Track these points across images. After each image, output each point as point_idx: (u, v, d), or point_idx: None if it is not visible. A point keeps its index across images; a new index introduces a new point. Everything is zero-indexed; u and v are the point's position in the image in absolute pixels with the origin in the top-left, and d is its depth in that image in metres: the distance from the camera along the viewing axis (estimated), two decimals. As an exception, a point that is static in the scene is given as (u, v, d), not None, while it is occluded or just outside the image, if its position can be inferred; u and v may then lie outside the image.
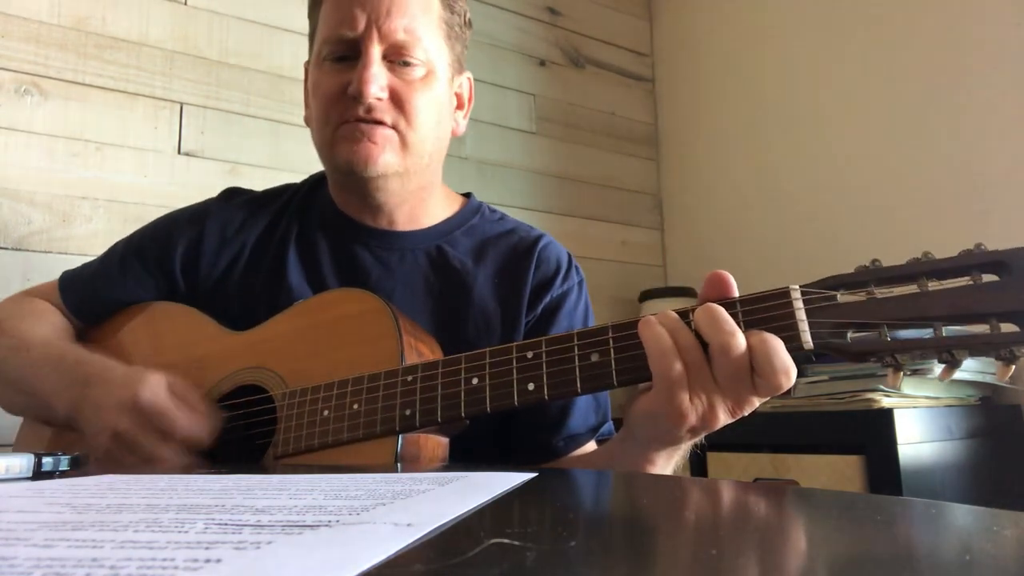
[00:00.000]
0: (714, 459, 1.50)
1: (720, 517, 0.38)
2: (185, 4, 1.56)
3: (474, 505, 0.34)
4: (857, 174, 1.82)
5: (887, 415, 1.25)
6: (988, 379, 1.44)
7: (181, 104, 1.52)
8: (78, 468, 0.57)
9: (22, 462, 0.52)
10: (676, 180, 2.29)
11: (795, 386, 1.43)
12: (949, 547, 0.29)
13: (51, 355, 0.82)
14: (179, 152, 1.51)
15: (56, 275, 0.98)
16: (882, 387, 1.30)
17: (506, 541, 0.25)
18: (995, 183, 1.55)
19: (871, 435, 1.26)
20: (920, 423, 1.29)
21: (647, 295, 2.01)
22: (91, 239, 1.36)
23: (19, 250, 1.33)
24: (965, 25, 1.66)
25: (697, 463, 1.51)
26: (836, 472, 1.29)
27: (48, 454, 0.54)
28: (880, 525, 0.32)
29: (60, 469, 0.55)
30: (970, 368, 1.40)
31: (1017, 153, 1.54)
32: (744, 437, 1.46)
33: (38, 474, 0.53)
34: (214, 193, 0.98)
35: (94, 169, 1.41)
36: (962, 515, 0.35)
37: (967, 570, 0.24)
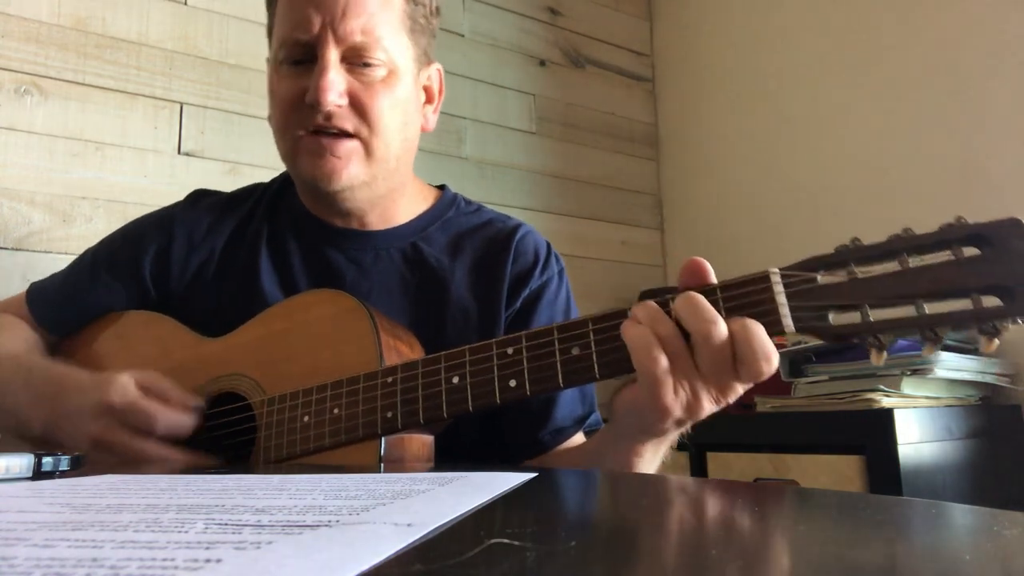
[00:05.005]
0: (714, 459, 1.50)
1: (719, 517, 0.38)
2: (185, 4, 1.56)
3: (474, 505, 0.34)
4: (857, 173, 1.82)
5: (887, 415, 1.25)
6: (988, 379, 1.44)
7: (181, 104, 1.52)
8: (78, 468, 0.57)
9: (22, 462, 0.52)
10: (676, 180, 2.29)
11: (795, 386, 1.44)
12: (949, 547, 0.29)
13: (19, 371, 0.81)
14: (179, 152, 1.51)
15: (56, 275, 0.98)
16: (882, 387, 1.30)
17: (506, 541, 0.25)
18: (996, 180, 1.56)
19: (871, 435, 1.26)
20: (920, 423, 1.29)
21: (647, 295, 2.01)
22: (91, 239, 1.34)
23: (19, 250, 1.33)
24: (964, 24, 1.66)
25: (697, 463, 1.51)
26: (836, 472, 1.29)
27: (48, 454, 0.54)
28: (880, 525, 0.32)
29: (60, 469, 0.55)
30: (970, 368, 1.40)
31: (1017, 149, 1.54)
32: (744, 437, 1.46)
33: (38, 474, 0.53)
34: (214, 193, 0.97)
35: (94, 169, 1.41)
36: (962, 515, 0.35)
37: (967, 570, 0.24)
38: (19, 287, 1.13)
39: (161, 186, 1.47)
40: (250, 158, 1.57)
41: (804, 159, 1.95)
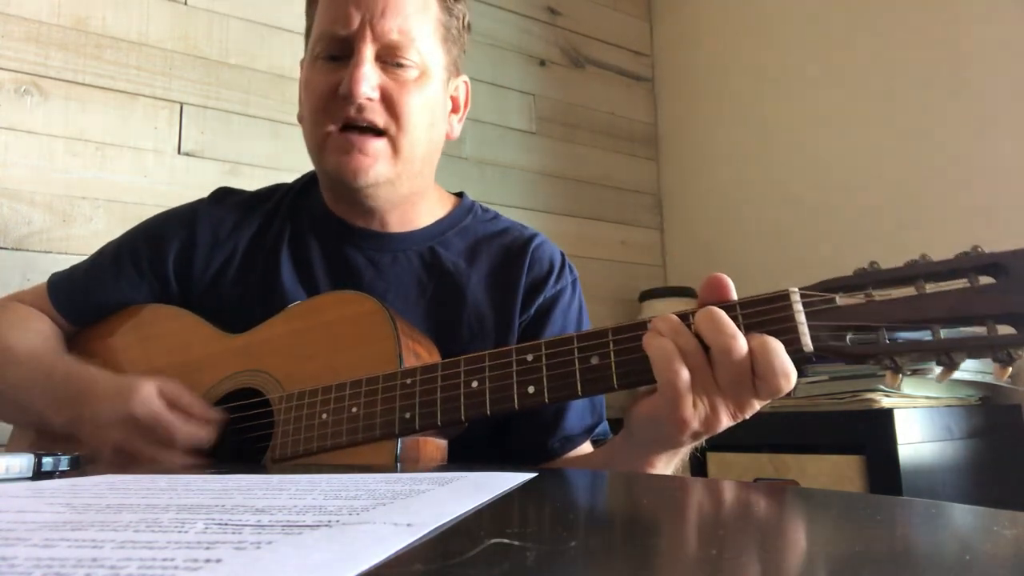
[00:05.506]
0: (714, 459, 1.50)
1: (720, 517, 0.38)
2: (185, 4, 1.56)
3: (474, 505, 0.34)
4: (857, 173, 1.82)
5: (887, 415, 1.25)
6: (988, 379, 1.44)
7: (181, 104, 1.52)
8: (78, 468, 0.57)
9: (22, 462, 0.52)
10: (676, 180, 2.29)
11: (795, 386, 1.44)
12: (949, 547, 0.29)
13: (40, 370, 0.81)
14: (179, 152, 1.51)
15: (56, 275, 0.97)
16: (882, 387, 1.30)
17: (506, 541, 0.25)
18: (996, 183, 1.55)
19: (871, 435, 1.26)
20: (920, 423, 1.29)
21: (647, 295, 2.01)
22: (91, 239, 1.35)
23: (19, 250, 1.33)
24: (966, 25, 1.66)
25: (697, 463, 1.51)
26: (836, 472, 1.29)
27: (48, 454, 0.54)
28: (880, 525, 0.32)
29: (60, 469, 0.55)
30: (970, 368, 1.40)
31: (1018, 154, 1.53)
32: (744, 437, 1.45)
33: (38, 474, 0.53)
34: (214, 193, 0.97)
35: (94, 169, 1.41)
36: (962, 515, 0.35)
37: (967, 570, 0.24)
38: (19, 287, 1.13)
39: (161, 186, 1.47)
40: (250, 158, 1.57)
41: (804, 159, 1.95)
